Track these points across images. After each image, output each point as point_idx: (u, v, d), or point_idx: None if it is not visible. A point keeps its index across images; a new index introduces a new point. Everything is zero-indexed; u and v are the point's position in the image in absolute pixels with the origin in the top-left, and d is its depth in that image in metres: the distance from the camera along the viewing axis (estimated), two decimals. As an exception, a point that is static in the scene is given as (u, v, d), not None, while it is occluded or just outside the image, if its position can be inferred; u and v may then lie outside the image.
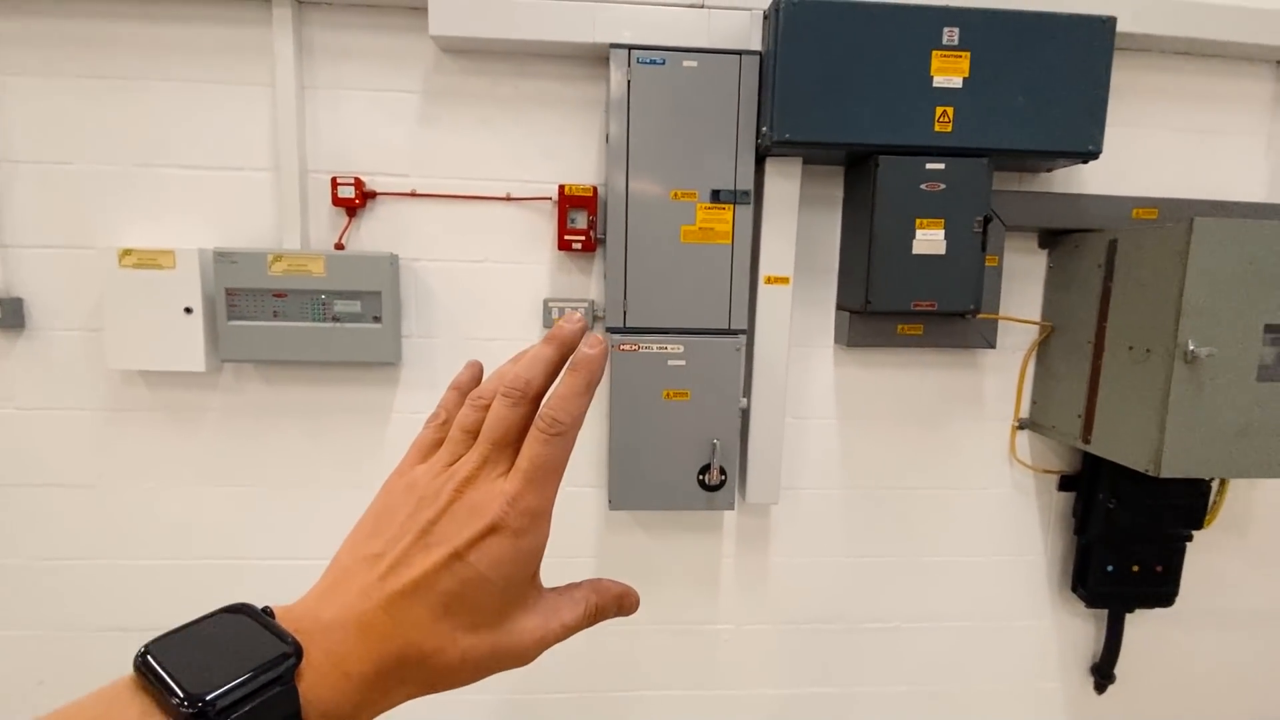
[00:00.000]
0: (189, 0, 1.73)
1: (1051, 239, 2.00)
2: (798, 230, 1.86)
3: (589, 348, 0.36)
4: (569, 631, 0.36)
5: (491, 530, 0.32)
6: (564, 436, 0.34)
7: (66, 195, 1.79)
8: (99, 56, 1.74)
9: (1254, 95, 1.97)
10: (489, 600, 0.32)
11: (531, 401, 0.35)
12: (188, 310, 1.77)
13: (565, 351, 0.36)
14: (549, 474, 0.34)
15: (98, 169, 1.78)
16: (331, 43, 1.79)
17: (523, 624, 0.34)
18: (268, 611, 0.30)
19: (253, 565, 1.95)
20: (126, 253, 1.74)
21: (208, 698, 0.25)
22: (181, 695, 0.25)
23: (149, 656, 0.27)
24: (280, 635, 0.28)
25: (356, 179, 1.80)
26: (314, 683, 0.28)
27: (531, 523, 0.33)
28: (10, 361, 1.85)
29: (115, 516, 1.93)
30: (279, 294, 1.77)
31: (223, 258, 1.74)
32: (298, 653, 0.28)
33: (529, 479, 0.33)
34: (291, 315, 1.77)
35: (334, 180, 1.80)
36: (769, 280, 1.86)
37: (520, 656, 0.34)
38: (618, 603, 0.39)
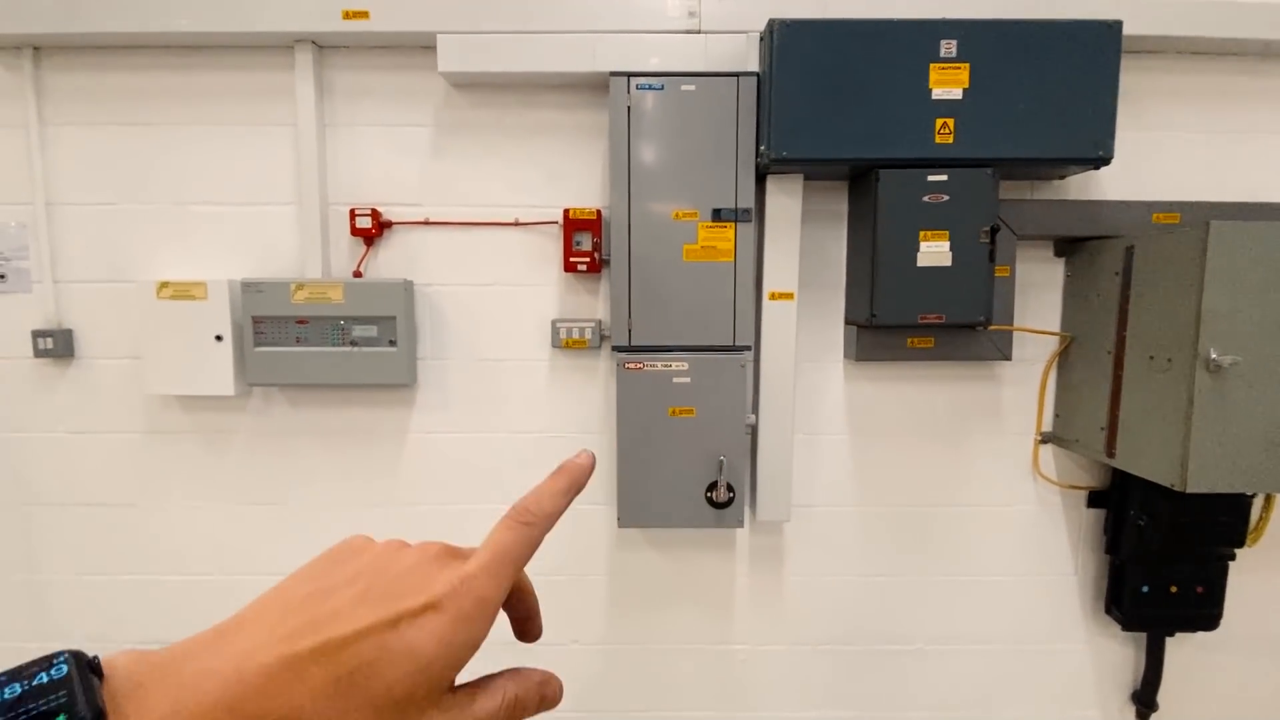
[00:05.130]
0: (218, 49, 1.86)
1: (1068, 247, 1.95)
2: (804, 245, 1.86)
3: (575, 457, 0.37)
4: None
5: (433, 607, 0.29)
6: (531, 528, 0.33)
7: (110, 233, 1.93)
8: (136, 105, 1.88)
9: (1278, 93, 1.89)
10: (401, 684, 0.28)
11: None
12: (218, 338, 1.87)
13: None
14: (507, 563, 0.32)
15: (138, 208, 1.92)
16: (349, 83, 1.89)
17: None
18: (95, 666, 0.26)
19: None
20: (163, 285, 1.86)
21: None
22: None
23: None
24: (90, 701, 0.24)
25: (373, 210, 1.89)
26: None
27: (476, 610, 0.30)
28: (62, 387, 1.99)
29: (155, 534, 2.04)
30: (301, 321, 1.86)
31: (250, 287, 1.84)
32: None
33: (485, 564, 0.31)
34: (313, 341, 1.86)
35: (352, 211, 1.89)
36: (773, 296, 1.87)
37: None
38: (539, 691, 0.35)
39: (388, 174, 1.91)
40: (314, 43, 1.84)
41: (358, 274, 1.93)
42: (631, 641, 2.08)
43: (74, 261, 1.94)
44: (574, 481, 0.36)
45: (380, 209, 1.91)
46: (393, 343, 1.87)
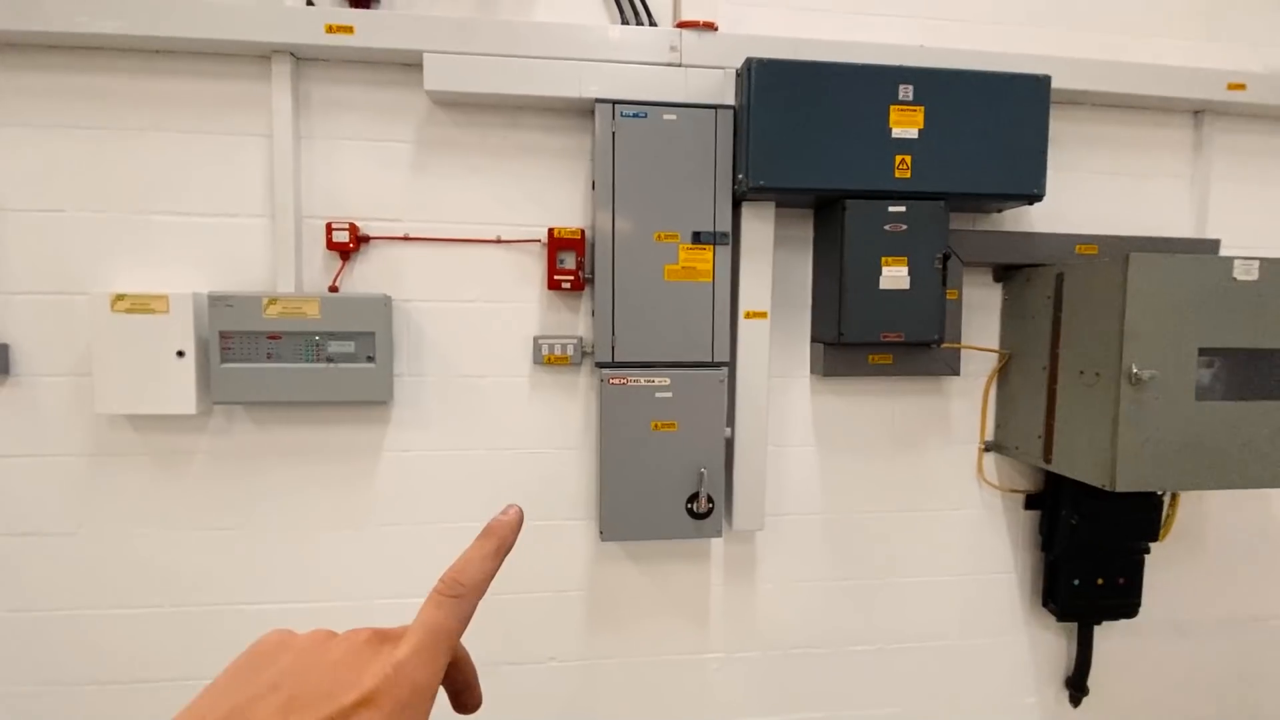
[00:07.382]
0: (189, 56, 1.80)
1: (1005, 273, 2.16)
2: (774, 268, 1.98)
3: (502, 514, 0.36)
4: None
5: (367, 702, 0.27)
6: (462, 600, 0.32)
7: (57, 243, 1.81)
8: (95, 108, 1.79)
9: (1176, 142, 2.19)
10: None
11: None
12: (180, 354, 1.79)
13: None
14: (440, 642, 0.31)
15: (91, 216, 1.81)
16: (328, 96, 1.87)
17: None
18: None
19: (240, 609, 1.92)
20: (119, 298, 1.76)
21: None
22: None
23: None
24: None
25: (351, 224, 1.87)
26: None
27: (413, 698, 0.29)
28: (-9, 409, 1.83)
29: (98, 564, 1.89)
30: (273, 336, 1.80)
31: (218, 301, 1.77)
32: None
33: (417, 646, 0.30)
34: (285, 357, 1.80)
35: (329, 225, 1.86)
36: (748, 315, 1.97)
37: None
38: None
39: (367, 189, 1.90)
40: (292, 54, 1.81)
41: (334, 289, 1.89)
42: (609, 655, 2.10)
43: (13, 272, 1.81)
44: (503, 541, 0.35)
45: (358, 223, 1.88)
46: (370, 359, 1.84)
